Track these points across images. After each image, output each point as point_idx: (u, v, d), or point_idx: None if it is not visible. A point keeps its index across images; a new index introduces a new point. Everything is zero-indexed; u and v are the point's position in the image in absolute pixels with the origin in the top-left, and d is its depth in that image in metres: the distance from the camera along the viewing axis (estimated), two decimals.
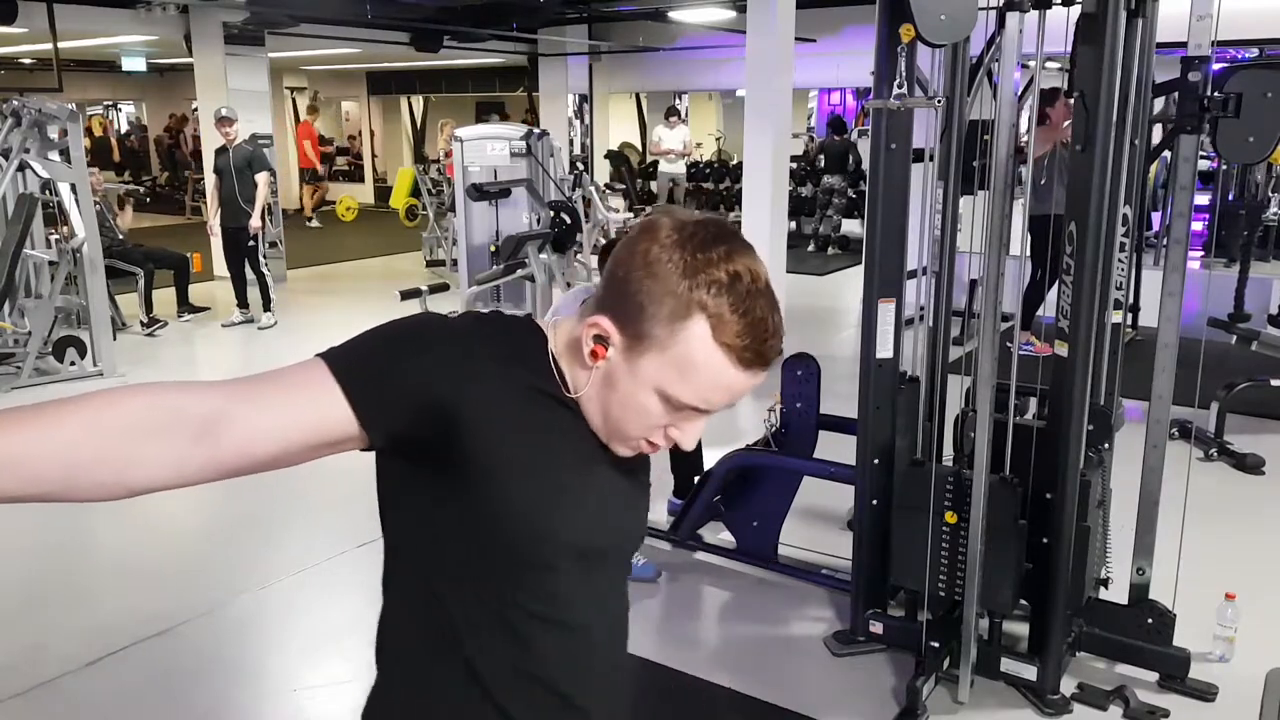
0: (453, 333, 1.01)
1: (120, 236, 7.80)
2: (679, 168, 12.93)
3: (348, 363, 0.95)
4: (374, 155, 18.80)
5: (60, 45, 8.67)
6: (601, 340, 1.00)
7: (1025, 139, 5.68)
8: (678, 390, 1.01)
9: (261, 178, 7.69)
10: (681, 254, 0.96)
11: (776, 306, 1.00)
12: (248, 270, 7.83)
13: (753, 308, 0.97)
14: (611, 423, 1.05)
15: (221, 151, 7.76)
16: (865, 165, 6.94)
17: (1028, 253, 5.61)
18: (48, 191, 6.52)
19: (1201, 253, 6.91)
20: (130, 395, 0.91)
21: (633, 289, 0.98)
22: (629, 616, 1.21)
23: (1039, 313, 6.00)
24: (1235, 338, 5.07)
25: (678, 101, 15.57)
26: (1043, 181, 5.98)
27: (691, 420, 1.07)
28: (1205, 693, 2.85)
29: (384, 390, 0.94)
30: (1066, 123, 5.93)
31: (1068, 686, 2.84)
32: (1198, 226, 7.32)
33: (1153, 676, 2.92)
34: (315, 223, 14.61)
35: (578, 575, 1.07)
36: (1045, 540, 2.74)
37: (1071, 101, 6.01)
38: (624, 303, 0.99)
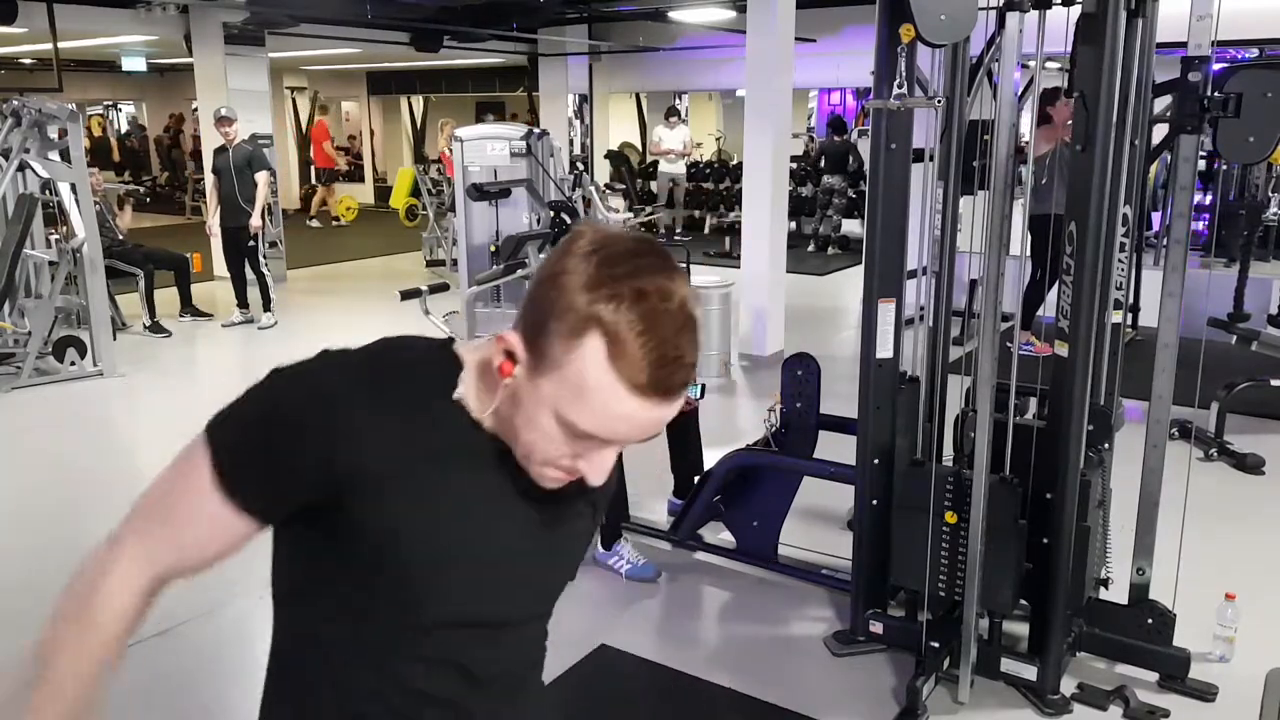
0: (342, 396, 0.94)
1: (120, 237, 7.79)
2: (679, 168, 12.93)
3: (234, 465, 0.95)
4: (374, 155, 18.80)
5: (60, 45, 8.67)
6: (510, 356, 0.93)
7: (1025, 140, 5.69)
8: (574, 415, 0.91)
9: (261, 177, 7.69)
10: (588, 266, 0.88)
11: (689, 331, 0.89)
12: (248, 270, 7.82)
13: (656, 329, 0.87)
14: (522, 447, 0.97)
15: (221, 151, 7.76)
16: (866, 165, 6.95)
17: (1028, 253, 5.61)
18: (48, 191, 6.51)
19: (1201, 252, 6.91)
20: (86, 617, 1.04)
21: (539, 302, 0.91)
22: (540, 667, 1.18)
23: (1039, 313, 6.00)
24: (1235, 338, 5.07)
25: (678, 101, 15.56)
26: (1043, 181, 5.98)
27: (596, 451, 0.95)
28: (1205, 693, 2.85)
29: (276, 486, 0.96)
30: (1069, 122, 5.93)
31: (1068, 686, 2.84)
32: (1198, 226, 7.32)
33: (1153, 676, 2.92)
34: (341, 220, 14.62)
35: (466, 645, 1.03)
36: (1045, 540, 2.74)
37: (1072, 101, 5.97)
38: (531, 316, 0.92)
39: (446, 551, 0.98)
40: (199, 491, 0.96)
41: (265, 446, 0.95)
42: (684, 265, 5.80)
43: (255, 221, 7.60)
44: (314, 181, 16.69)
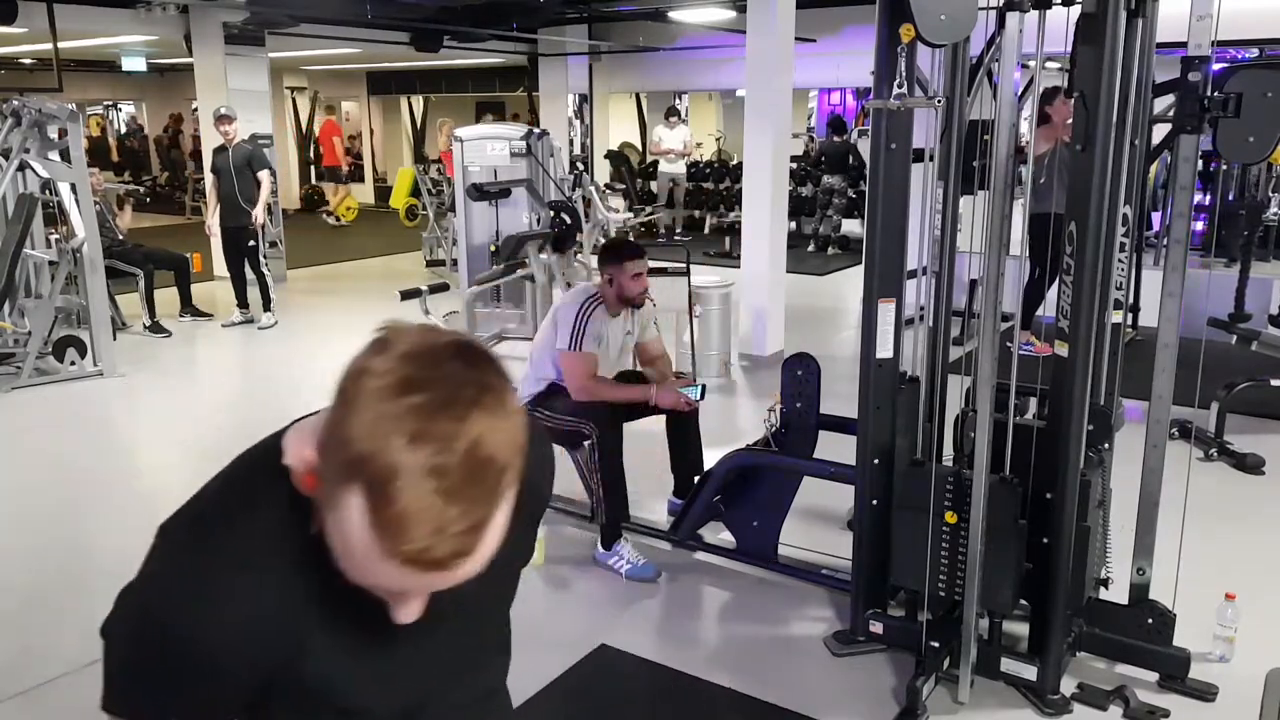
0: (199, 626, 0.85)
1: (120, 237, 7.79)
2: (679, 168, 12.93)
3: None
4: (374, 155, 18.80)
5: (60, 45, 8.67)
6: (312, 470, 0.83)
7: (1025, 140, 5.69)
8: (345, 564, 0.80)
9: (264, 175, 7.69)
10: (381, 391, 0.75)
11: (475, 485, 0.75)
12: (248, 270, 7.82)
13: (430, 488, 0.73)
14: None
15: (220, 150, 7.75)
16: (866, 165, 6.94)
17: (1027, 252, 5.61)
18: (48, 191, 6.52)
19: (1202, 252, 6.91)
20: None
21: (330, 416, 0.79)
22: None
23: (1039, 312, 6.00)
24: (1235, 338, 5.06)
25: (678, 101, 15.56)
26: (1041, 180, 5.99)
27: (394, 598, 0.84)
28: (1205, 693, 2.85)
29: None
30: (1068, 121, 5.94)
31: (1068, 686, 2.84)
32: (1198, 226, 7.32)
33: (1153, 676, 2.92)
34: (340, 220, 14.60)
35: None
36: (1045, 540, 2.74)
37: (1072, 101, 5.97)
38: (324, 429, 0.80)
39: (370, 693, 0.95)
40: None
41: (168, 703, 0.91)
42: (685, 265, 5.81)
43: (259, 215, 7.60)
44: (315, 180, 16.69)
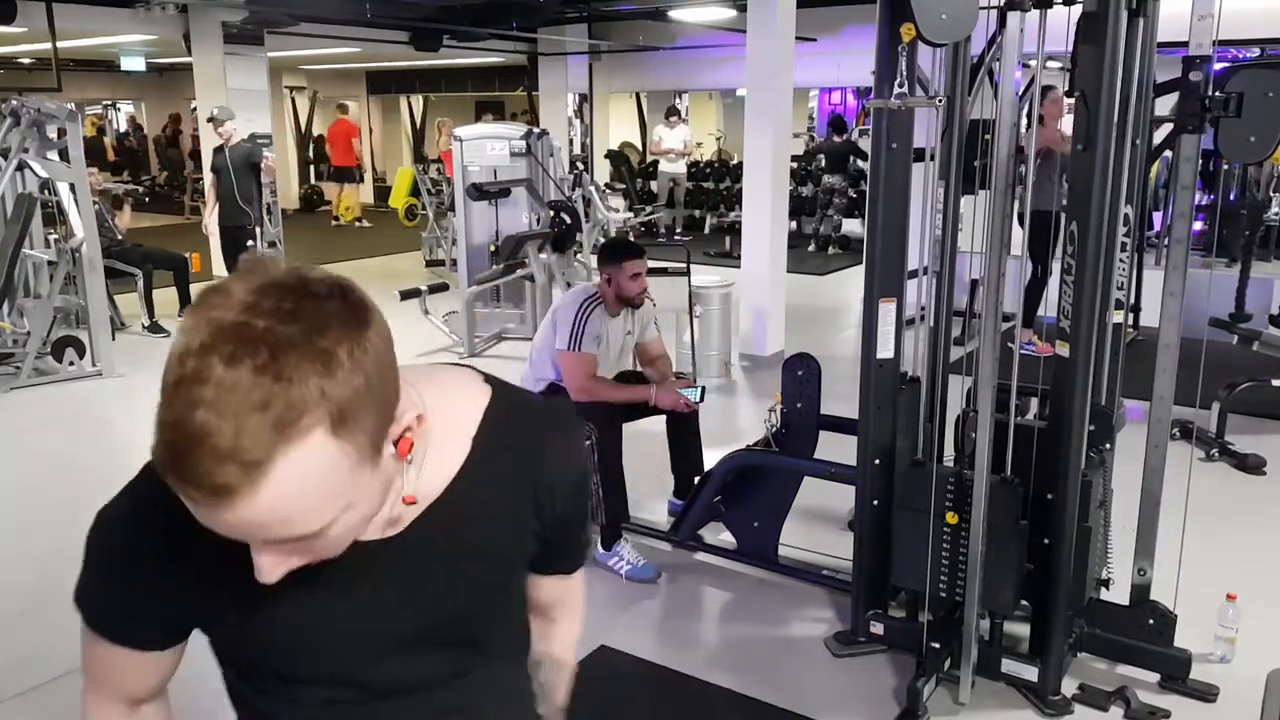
0: (128, 546, 0.95)
1: (119, 237, 7.78)
2: (679, 167, 12.93)
3: (103, 624, 1.00)
4: (373, 155, 18.78)
5: (59, 45, 8.66)
6: None
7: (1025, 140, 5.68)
8: None
9: (264, 164, 7.73)
10: (216, 304, 0.76)
11: (219, 400, 0.71)
12: None
13: (172, 401, 0.74)
14: None
15: (220, 151, 7.76)
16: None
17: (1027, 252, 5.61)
18: (47, 191, 6.51)
19: (1203, 252, 6.91)
20: None
21: None
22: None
23: (1040, 312, 6.00)
24: (1236, 338, 5.06)
25: (678, 101, 15.56)
26: (1031, 180, 5.99)
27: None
28: (1206, 693, 2.84)
29: (140, 625, 0.99)
30: (1064, 120, 5.94)
31: (1069, 687, 2.83)
32: (1198, 226, 7.31)
33: (1154, 677, 2.92)
34: (361, 221, 14.55)
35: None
36: (1046, 541, 2.74)
37: (1062, 98, 5.98)
38: None
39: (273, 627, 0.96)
40: (105, 651, 1.01)
41: (110, 606, 0.99)
42: (685, 265, 5.80)
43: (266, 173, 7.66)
44: (315, 180, 16.63)
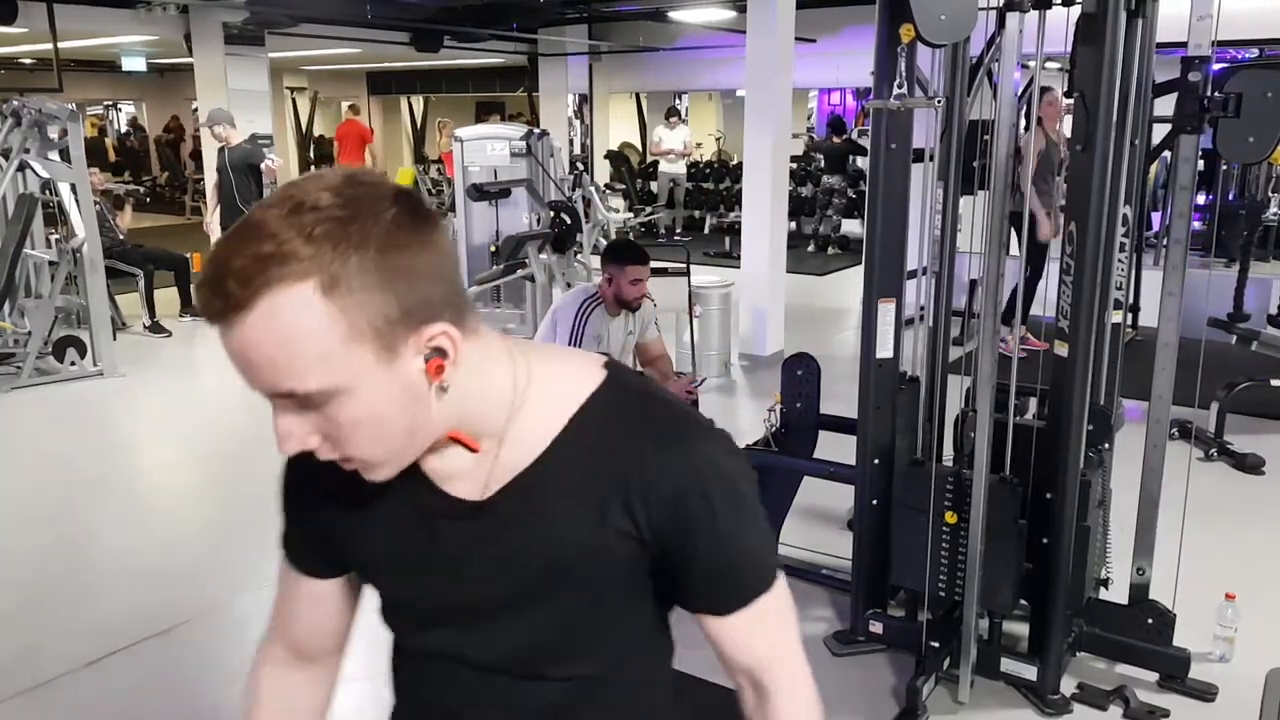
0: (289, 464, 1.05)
1: (120, 237, 7.79)
2: (679, 168, 12.93)
3: (281, 539, 1.11)
4: (374, 155, 18.78)
5: (60, 45, 8.66)
6: None
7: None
8: None
9: (264, 166, 7.73)
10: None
11: (241, 239, 0.79)
12: None
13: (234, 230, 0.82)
14: None
15: (221, 152, 7.78)
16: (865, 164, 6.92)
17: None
18: (48, 191, 6.51)
19: (1201, 252, 6.91)
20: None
21: None
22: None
23: (1036, 311, 6.01)
24: (1235, 338, 5.07)
25: (678, 101, 15.56)
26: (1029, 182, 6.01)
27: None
28: (1205, 693, 2.85)
29: (299, 543, 1.09)
30: (1062, 121, 5.95)
31: (1068, 686, 2.84)
32: (1197, 226, 7.32)
33: (1153, 676, 2.92)
34: None
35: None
36: (1045, 540, 2.74)
37: (1057, 100, 5.96)
38: None
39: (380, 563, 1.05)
40: (284, 583, 1.12)
41: (286, 531, 1.10)
42: (685, 265, 5.81)
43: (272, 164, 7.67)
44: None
